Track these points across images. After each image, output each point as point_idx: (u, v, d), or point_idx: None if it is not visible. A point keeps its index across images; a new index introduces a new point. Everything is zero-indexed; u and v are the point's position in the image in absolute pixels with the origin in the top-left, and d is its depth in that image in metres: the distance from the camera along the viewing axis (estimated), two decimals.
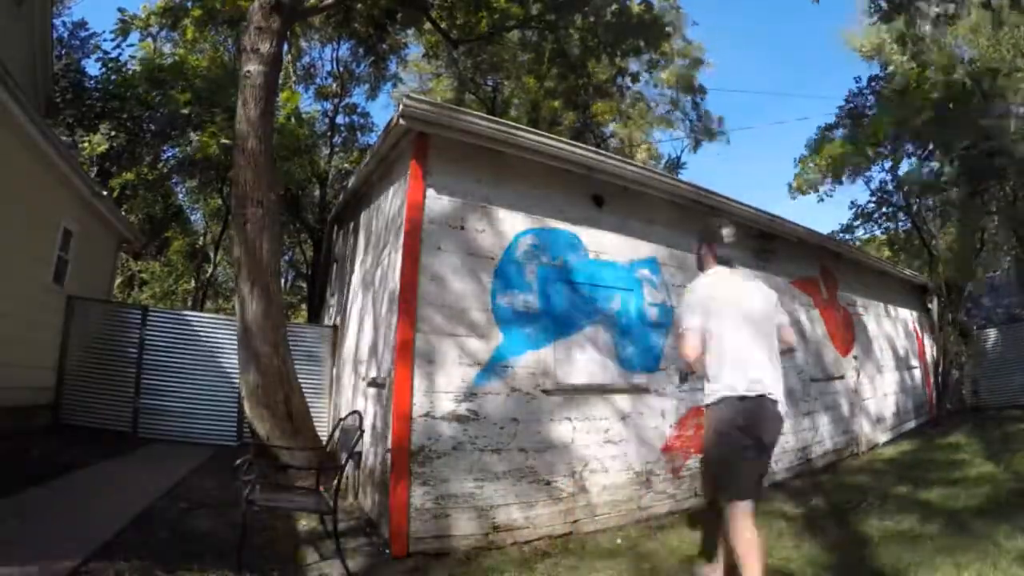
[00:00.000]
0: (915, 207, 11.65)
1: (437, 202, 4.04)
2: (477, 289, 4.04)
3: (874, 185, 12.81)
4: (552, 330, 4.31)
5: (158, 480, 4.55)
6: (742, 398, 2.60)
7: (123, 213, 9.66)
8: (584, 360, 4.46)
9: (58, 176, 6.23)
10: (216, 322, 7.25)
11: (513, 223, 4.32)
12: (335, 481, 3.32)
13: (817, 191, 13.31)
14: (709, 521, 3.37)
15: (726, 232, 3.04)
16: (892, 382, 9.02)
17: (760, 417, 2.60)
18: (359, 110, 14.74)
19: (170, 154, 11.02)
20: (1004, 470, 5.34)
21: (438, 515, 3.62)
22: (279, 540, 3.61)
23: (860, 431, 7.69)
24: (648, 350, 4.90)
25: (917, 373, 10.29)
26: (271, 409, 5.05)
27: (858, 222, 13.87)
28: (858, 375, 7.88)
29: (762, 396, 2.60)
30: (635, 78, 11.53)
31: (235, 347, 5.76)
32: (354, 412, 4.19)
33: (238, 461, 3.31)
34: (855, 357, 7.90)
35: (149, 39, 10.41)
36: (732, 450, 2.59)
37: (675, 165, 19.14)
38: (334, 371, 6.97)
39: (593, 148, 5.07)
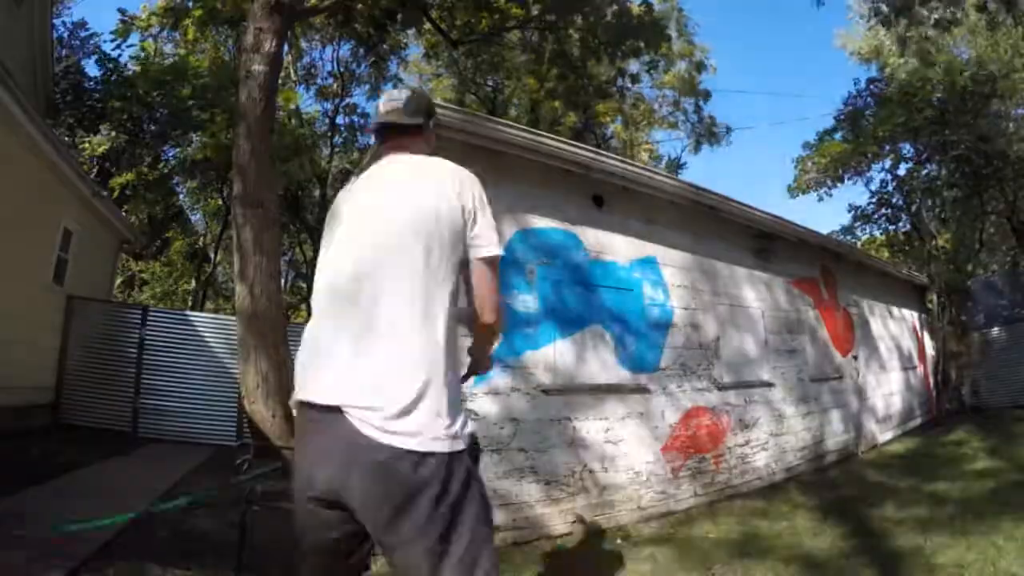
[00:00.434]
0: (914, 208, 11.66)
1: None
2: None
3: (874, 186, 12.84)
4: (551, 330, 4.31)
5: (158, 480, 4.55)
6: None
7: (123, 213, 9.66)
8: (584, 360, 4.46)
9: (58, 176, 6.23)
10: (216, 322, 7.25)
11: (513, 223, 4.32)
12: None
13: (817, 190, 13.33)
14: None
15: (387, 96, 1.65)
16: (893, 382, 9.03)
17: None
18: (359, 110, 14.78)
19: (170, 154, 11.03)
20: (1008, 464, 5.52)
21: None
22: (279, 540, 3.60)
23: (864, 429, 7.72)
24: (648, 350, 4.91)
25: (917, 373, 10.30)
26: (271, 409, 5.05)
27: (858, 223, 13.89)
28: (858, 375, 7.88)
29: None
30: (635, 79, 11.54)
31: (235, 347, 5.76)
32: None
33: (238, 461, 3.31)
34: (855, 357, 7.91)
35: (150, 39, 10.43)
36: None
37: (676, 165, 19.16)
38: None
39: (593, 148, 5.08)
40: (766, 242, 6.51)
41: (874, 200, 13.01)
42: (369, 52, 12.02)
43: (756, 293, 6.23)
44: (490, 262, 1.40)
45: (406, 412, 1.18)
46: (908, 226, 12.69)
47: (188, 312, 10.71)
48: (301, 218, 13.61)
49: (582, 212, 4.76)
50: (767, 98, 39.19)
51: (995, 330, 11.88)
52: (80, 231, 7.17)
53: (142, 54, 10.44)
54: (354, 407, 1.17)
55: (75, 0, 15.00)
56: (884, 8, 7.85)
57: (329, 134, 14.20)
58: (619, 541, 3.94)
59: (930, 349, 11.04)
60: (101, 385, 6.44)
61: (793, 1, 31.50)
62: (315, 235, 13.01)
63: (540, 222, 4.47)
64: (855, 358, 7.92)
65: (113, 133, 9.79)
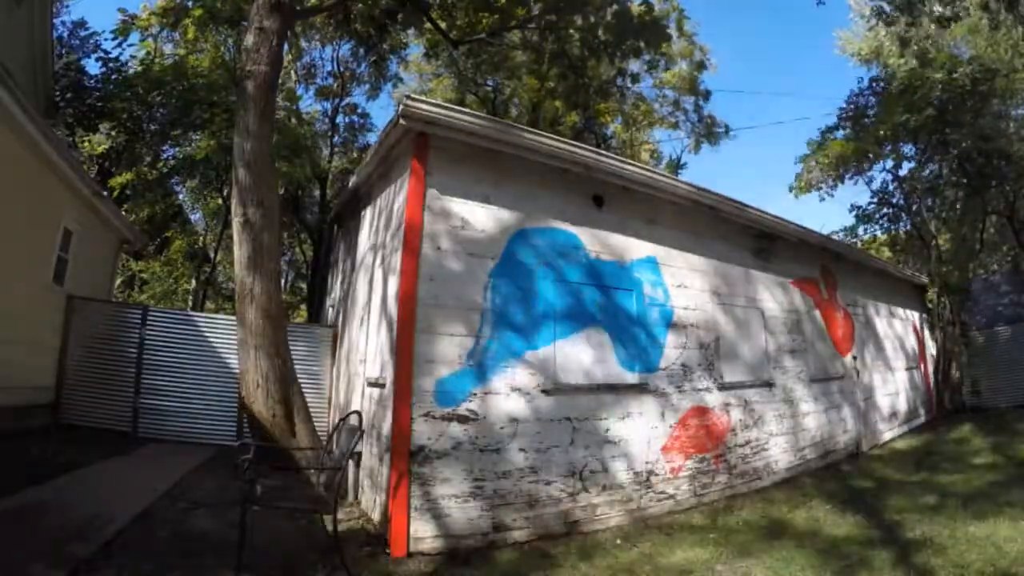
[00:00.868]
0: (916, 207, 11.65)
1: (437, 202, 4.04)
2: (477, 289, 4.05)
3: (875, 186, 12.82)
4: (551, 330, 4.31)
5: (158, 480, 4.55)
6: None
7: (123, 213, 9.66)
8: (583, 360, 4.46)
9: (58, 176, 6.23)
10: (216, 322, 7.24)
11: (513, 223, 4.32)
12: (335, 481, 3.32)
13: (820, 189, 13.30)
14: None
15: None
16: (893, 381, 9.03)
17: None
18: (359, 110, 14.76)
19: (170, 154, 11.02)
20: (1010, 458, 5.83)
21: (438, 515, 3.62)
22: (279, 540, 3.61)
23: (867, 428, 7.77)
24: (648, 350, 4.91)
25: (918, 373, 10.30)
26: (271, 409, 5.05)
27: (859, 223, 13.87)
28: (858, 375, 7.88)
29: None
30: (636, 78, 11.53)
31: (235, 347, 5.76)
32: (354, 412, 4.19)
33: (238, 461, 3.31)
34: (855, 357, 7.91)
35: (150, 39, 10.41)
36: None
37: (676, 165, 19.15)
38: (334, 371, 6.97)
39: (593, 148, 5.07)
40: (766, 242, 6.51)
41: (875, 200, 13.00)
42: (369, 52, 12.01)
43: (756, 293, 6.23)
44: None
45: None
46: (909, 226, 12.67)
47: (188, 312, 10.70)
48: (301, 218, 13.59)
49: (582, 212, 4.76)
50: (767, 98, 39.14)
51: (995, 330, 11.87)
52: (80, 231, 7.17)
53: (142, 53, 10.43)
54: None
55: (75, 0, 14.99)
56: (886, 7, 7.84)
57: (329, 134, 14.20)
58: (618, 541, 3.94)
59: (931, 349, 11.04)
60: (101, 385, 6.43)
61: (794, 1, 31.48)
62: (315, 235, 13.01)
63: (540, 222, 4.47)
64: (855, 358, 7.92)
65: (113, 132, 9.78)
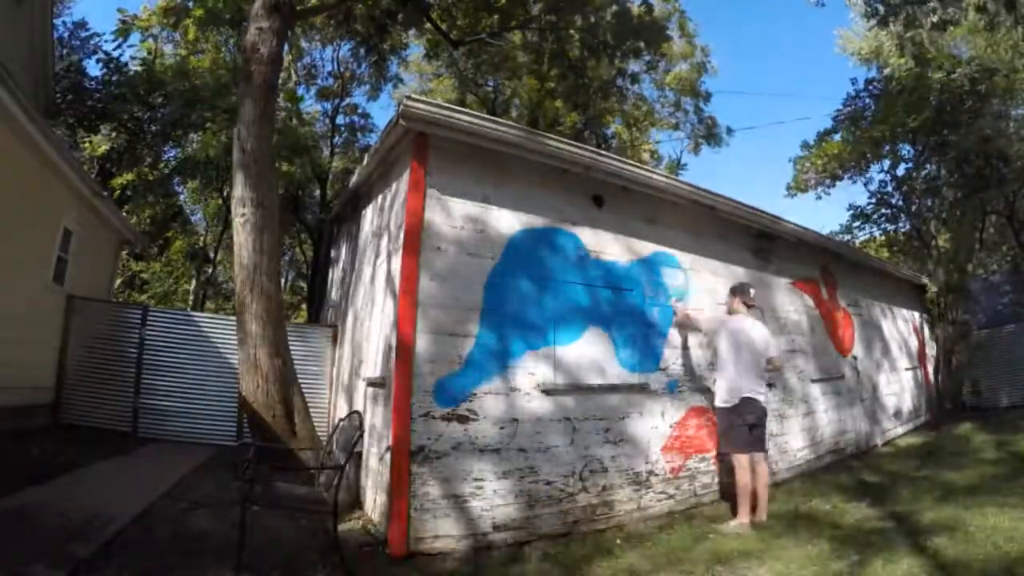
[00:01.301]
0: (914, 208, 11.66)
1: (437, 202, 4.04)
2: (476, 289, 4.05)
3: (873, 186, 12.82)
4: (551, 330, 4.32)
5: (158, 480, 4.55)
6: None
7: (124, 213, 9.66)
8: (584, 360, 4.47)
9: (59, 176, 6.23)
10: (216, 322, 7.25)
11: (513, 223, 4.33)
12: (335, 481, 3.32)
13: (815, 190, 13.31)
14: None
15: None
16: (894, 381, 9.04)
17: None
18: (360, 110, 14.77)
19: (171, 154, 11.03)
20: (1013, 454, 6.07)
21: (438, 515, 3.63)
22: (279, 540, 3.61)
23: (869, 427, 7.81)
24: (648, 350, 4.91)
25: (918, 373, 10.30)
26: (271, 409, 5.06)
27: (857, 223, 13.87)
28: (859, 375, 7.89)
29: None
30: (636, 79, 11.53)
31: (235, 347, 5.76)
32: (354, 412, 4.19)
33: (238, 461, 3.31)
34: (855, 357, 7.91)
35: (150, 39, 10.42)
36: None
37: (676, 166, 19.16)
38: (334, 371, 6.97)
39: (593, 148, 5.08)
40: (766, 242, 6.51)
41: (873, 200, 13.00)
42: (369, 52, 12.00)
43: (756, 293, 6.22)
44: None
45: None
46: (908, 226, 12.68)
47: (188, 312, 10.70)
48: (301, 218, 13.59)
49: (582, 212, 4.77)
50: (768, 98, 39.18)
51: (996, 330, 11.87)
52: (80, 231, 7.17)
53: (142, 53, 10.45)
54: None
55: (75, 0, 15.01)
56: (881, 8, 7.84)
57: (329, 134, 14.21)
58: (618, 541, 3.94)
59: (930, 349, 11.04)
60: (101, 385, 6.43)
61: (794, 0, 31.48)
62: (315, 235, 13.01)
63: (540, 222, 4.47)
64: (856, 358, 7.92)
65: (114, 133, 9.78)
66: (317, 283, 11.61)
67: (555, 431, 4.19)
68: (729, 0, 36.06)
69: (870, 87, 12.13)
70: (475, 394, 3.90)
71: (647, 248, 5.15)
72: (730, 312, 4.89)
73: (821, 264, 7.58)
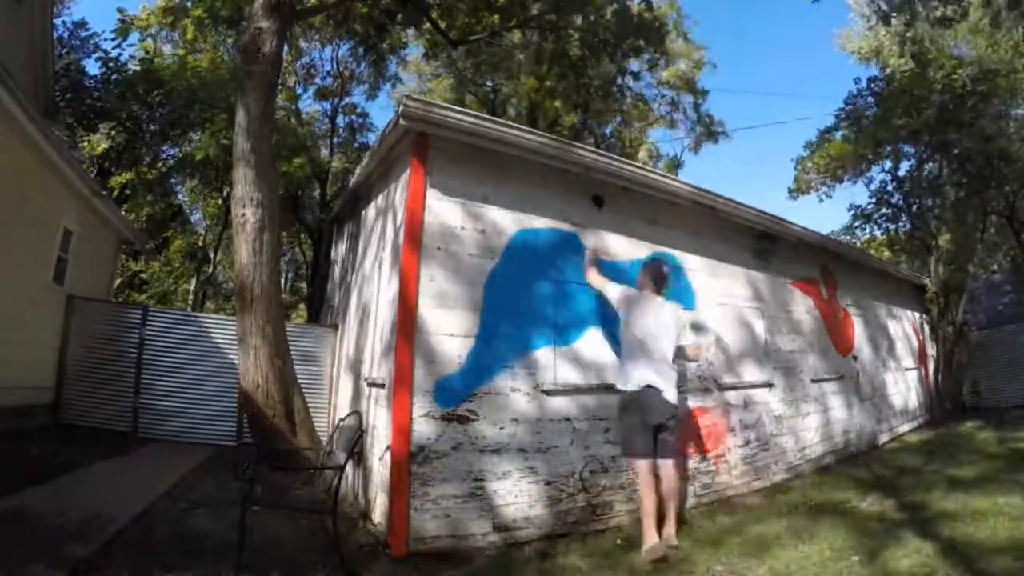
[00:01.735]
0: (915, 207, 11.65)
1: (437, 202, 4.04)
2: (476, 289, 4.05)
3: (874, 186, 12.81)
4: (552, 330, 4.31)
5: (158, 480, 4.55)
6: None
7: (123, 213, 9.66)
8: (584, 360, 4.46)
9: (58, 176, 6.23)
10: (216, 322, 7.25)
11: (513, 223, 4.32)
12: (335, 481, 3.32)
13: (817, 191, 13.31)
14: None
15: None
16: (894, 381, 9.04)
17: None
18: (359, 110, 14.79)
19: (170, 154, 11.02)
20: (1016, 450, 6.33)
21: (438, 515, 3.63)
22: (278, 540, 3.61)
23: (869, 426, 7.83)
24: None
25: (918, 373, 10.30)
26: (271, 409, 5.06)
27: (858, 223, 13.87)
28: (859, 375, 7.89)
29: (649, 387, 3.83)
30: (636, 77, 11.52)
31: (235, 347, 5.76)
32: (354, 412, 4.20)
33: (238, 461, 3.31)
34: (855, 357, 7.91)
35: (149, 39, 10.42)
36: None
37: (675, 165, 19.16)
38: (334, 371, 6.97)
39: (592, 148, 5.07)
40: (766, 242, 6.51)
41: (874, 200, 12.99)
42: (369, 52, 12.00)
43: (756, 293, 6.23)
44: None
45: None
46: (908, 226, 12.66)
47: (188, 312, 10.69)
48: (301, 218, 13.60)
49: (582, 212, 4.76)
50: (768, 98, 39.20)
51: (996, 330, 11.88)
52: (80, 231, 7.17)
53: (141, 53, 10.44)
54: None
55: (75, 0, 14.99)
56: (883, 5, 7.83)
57: (329, 134, 14.21)
58: (618, 542, 3.94)
59: (930, 349, 11.04)
60: (101, 385, 6.43)
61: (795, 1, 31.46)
62: (315, 235, 13.01)
63: (540, 222, 4.47)
64: (856, 358, 7.92)
65: (113, 132, 9.78)
66: (317, 283, 11.62)
67: (555, 431, 4.19)
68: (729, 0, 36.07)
69: (872, 86, 12.13)
70: (475, 394, 3.90)
71: (647, 248, 5.14)
72: (640, 289, 4.23)
73: (821, 264, 7.58)
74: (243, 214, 5.27)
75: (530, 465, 4.02)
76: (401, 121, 3.91)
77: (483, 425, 3.89)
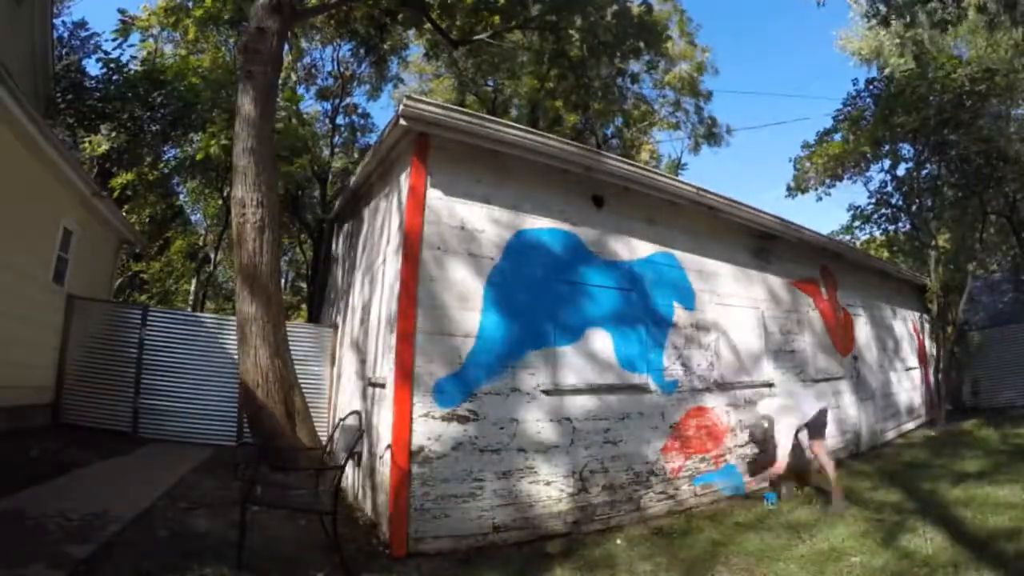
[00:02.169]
0: (914, 207, 11.63)
1: (437, 202, 4.04)
2: (477, 289, 4.05)
3: (873, 186, 12.80)
4: (551, 330, 4.31)
5: (158, 480, 4.55)
6: None
7: (124, 214, 9.65)
8: (584, 360, 4.46)
9: (58, 176, 6.23)
10: (216, 322, 7.25)
11: (513, 223, 4.32)
12: (335, 481, 3.32)
13: (815, 190, 13.29)
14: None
15: None
16: (894, 381, 9.04)
17: None
18: (360, 110, 14.78)
19: (171, 154, 11.02)
20: (1018, 445, 6.64)
21: (438, 515, 3.63)
22: (278, 540, 3.61)
23: (875, 424, 7.92)
24: (648, 350, 4.91)
25: (918, 373, 10.31)
26: (271, 409, 5.06)
27: (857, 223, 13.84)
28: (858, 375, 7.89)
29: None
30: (635, 78, 11.52)
31: (235, 347, 5.76)
32: (354, 412, 4.20)
33: (237, 461, 3.31)
34: (855, 357, 7.91)
35: (150, 39, 10.42)
36: None
37: (676, 166, 19.15)
38: (334, 371, 6.97)
39: (592, 148, 5.08)
40: (766, 242, 6.51)
41: (873, 200, 12.98)
42: (370, 52, 12.01)
43: (756, 293, 6.23)
44: None
45: None
46: (908, 226, 12.65)
47: (188, 312, 10.69)
48: (301, 218, 13.59)
49: (582, 212, 4.77)
50: (768, 98, 39.20)
51: (995, 330, 11.88)
52: (80, 231, 7.17)
53: (143, 53, 10.44)
54: None
55: (75, 0, 15.01)
56: (882, 8, 7.83)
57: (329, 134, 14.21)
58: (618, 542, 3.94)
59: (930, 349, 11.04)
60: (101, 385, 6.42)
61: (796, 1, 31.48)
62: (315, 235, 13.01)
63: (541, 222, 4.47)
64: (856, 358, 7.92)
65: (114, 133, 9.77)
66: (317, 283, 11.61)
67: (555, 431, 4.19)
68: (729, 0, 36.07)
69: (871, 87, 12.12)
70: (475, 394, 3.90)
71: (647, 248, 5.15)
72: None
73: (821, 264, 7.58)
74: (243, 214, 5.27)
75: (530, 465, 4.02)
76: (401, 121, 3.91)
77: (483, 425, 3.89)
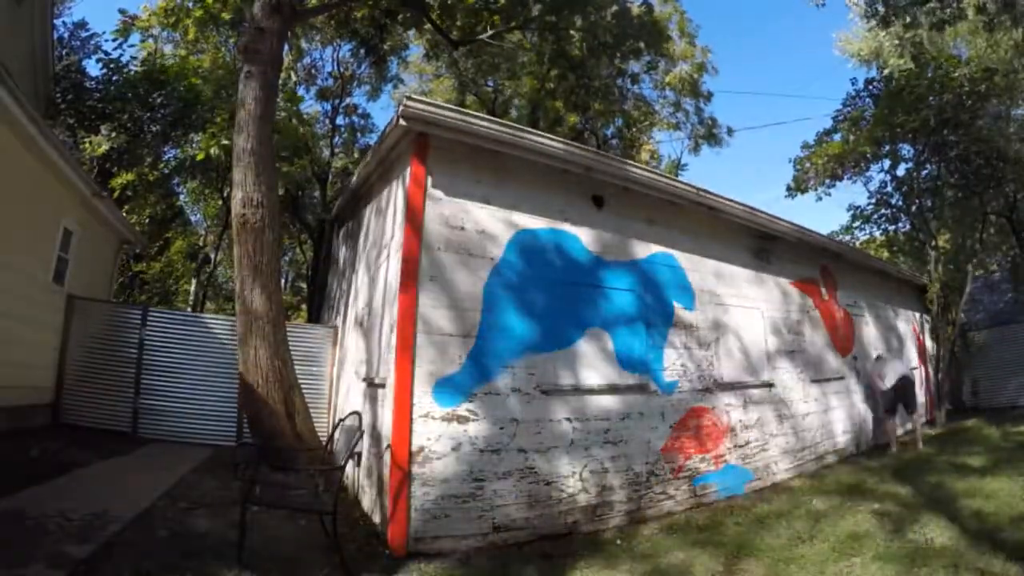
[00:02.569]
0: (914, 207, 11.63)
1: (437, 202, 4.04)
2: (476, 289, 4.05)
3: (873, 186, 12.80)
4: (551, 331, 4.31)
5: (158, 480, 4.55)
6: None
7: (124, 214, 9.65)
8: (583, 361, 4.46)
9: (58, 176, 6.23)
10: (216, 322, 7.25)
11: (513, 223, 4.32)
12: (335, 481, 3.33)
13: (815, 190, 13.29)
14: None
15: None
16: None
17: None
18: (360, 111, 14.77)
19: (171, 155, 11.02)
20: (1018, 443, 6.84)
21: (437, 515, 3.63)
22: (278, 540, 3.61)
23: (871, 424, 7.88)
24: (648, 350, 4.91)
25: (918, 373, 10.29)
26: (271, 409, 5.06)
27: (857, 223, 13.85)
28: (858, 375, 7.89)
29: None
30: (635, 79, 11.52)
31: (235, 347, 5.76)
32: (354, 412, 4.20)
33: (237, 461, 3.31)
34: (855, 357, 7.91)
35: (150, 40, 10.42)
36: None
37: (677, 166, 19.13)
38: (334, 371, 6.97)
39: (592, 149, 5.09)
40: (766, 242, 6.51)
41: (873, 200, 12.98)
42: (370, 53, 12.01)
43: (756, 293, 6.23)
44: None
45: None
46: (908, 226, 12.65)
47: (188, 312, 10.68)
48: (301, 218, 13.59)
49: (582, 212, 4.77)
50: (768, 98, 39.21)
51: (995, 330, 11.88)
52: (80, 231, 7.17)
53: (143, 54, 10.44)
54: None
55: (75, 0, 14.99)
56: (881, 8, 7.84)
57: (329, 134, 14.21)
58: (618, 542, 3.93)
59: (930, 349, 11.04)
60: (101, 385, 6.43)
61: (796, 1, 31.47)
62: (315, 235, 13.01)
63: (541, 222, 4.47)
64: (856, 358, 7.92)
65: (114, 133, 9.77)
66: (317, 283, 11.61)
67: (555, 431, 4.19)
68: (730, 0, 36.09)
69: (870, 87, 12.13)
70: (475, 394, 3.90)
71: (647, 248, 5.15)
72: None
73: (821, 264, 7.59)
74: (243, 214, 5.27)
75: (530, 465, 4.02)
76: (401, 121, 3.91)
77: (483, 425, 3.89)
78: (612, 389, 4.58)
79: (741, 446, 5.53)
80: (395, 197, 4.62)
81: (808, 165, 12.84)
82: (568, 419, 4.28)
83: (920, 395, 10.12)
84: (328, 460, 4.29)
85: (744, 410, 5.66)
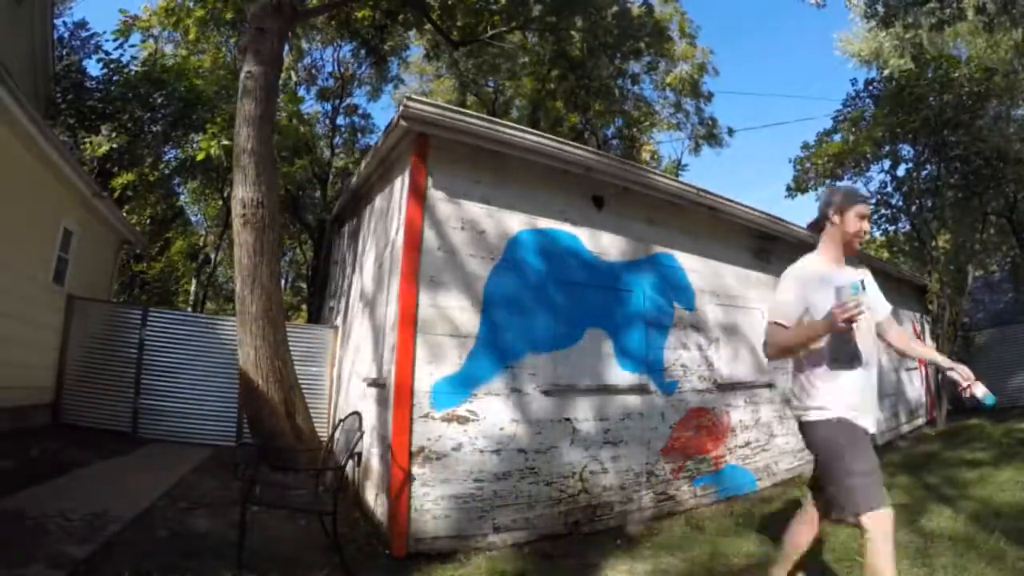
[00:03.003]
0: (914, 208, 11.63)
1: (437, 202, 4.04)
2: (477, 289, 4.05)
3: (873, 187, 12.80)
4: (552, 331, 4.31)
5: (158, 480, 4.55)
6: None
7: (124, 214, 9.66)
8: (584, 361, 4.46)
9: (58, 176, 6.23)
10: (216, 322, 7.25)
11: (513, 224, 4.32)
12: (335, 482, 3.32)
13: (815, 189, 13.29)
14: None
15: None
16: (895, 381, 9.05)
17: None
18: (360, 111, 14.79)
19: (171, 155, 11.02)
20: (1022, 440, 7.00)
21: (438, 516, 3.63)
22: (278, 540, 3.61)
23: (880, 423, 7.85)
24: (648, 351, 4.91)
25: (918, 373, 10.30)
26: (271, 409, 5.06)
27: None
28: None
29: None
30: (636, 79, 11.53)
31: (235, 348, 5.76)
32: (354, 413, 4.19)
33: (237, 461, 3.31)
34: None
35: (151, 40, 10.43)
36: None
37: (677, 166, 19.14)
38: (334, 371, 6.97)
39: (593, 149, 5.08)
40: (766, 243, 6.51)
41: (873, 201, 12.97)
42: (370, 53, 12.02)
43: (756, 294, 6.22)
44: None
45: None
46: (908, 226, 12.65)
47: (188, 312, 10.69)
48: (301, 218, 13.60)
49: (582, 213, 4.77)
50: (769, 99, 39.25)
51: (995, 330, 11.88)
52: (80, 231, 7.17)
53: (143, 54, 10.45)
54: None
55: (75, 0, 15.00)
56: (880, 9, 7.85)
57: (330, 134, 14.22)
58: (618, 543, 3.93)
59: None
60: (101, 385, 6.43)
61: (796, 2, 31.50)
62: (315, 235, 13.01)
63: (541, 223, 4.47)
64: None
65: (114, 134, 9.78)
66: (317, 283, 11.61)
67: (555, 432, 4.19)
68: (730, 1, 36.12)
69: (870, 87, 12.13)
70: (475, 394, 3.90)
71: (647, 249, 5.15)
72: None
73: None
74: (243, 214, 5.27)
75: (530, 465, 4.02)
76: (401, 122, 3.91)
77: (483, 425, 3.89)
78: (612, 390, 4.58)
79: (741, 446, 5.53)
80: (395, 197, 4.62)
81: (808, 165, 12.83)
82: (568, 419, 4.28)
83: (920, 395, 10.16)
84: (328, 460, 4.29)
85: (744, 410, 5.66)
